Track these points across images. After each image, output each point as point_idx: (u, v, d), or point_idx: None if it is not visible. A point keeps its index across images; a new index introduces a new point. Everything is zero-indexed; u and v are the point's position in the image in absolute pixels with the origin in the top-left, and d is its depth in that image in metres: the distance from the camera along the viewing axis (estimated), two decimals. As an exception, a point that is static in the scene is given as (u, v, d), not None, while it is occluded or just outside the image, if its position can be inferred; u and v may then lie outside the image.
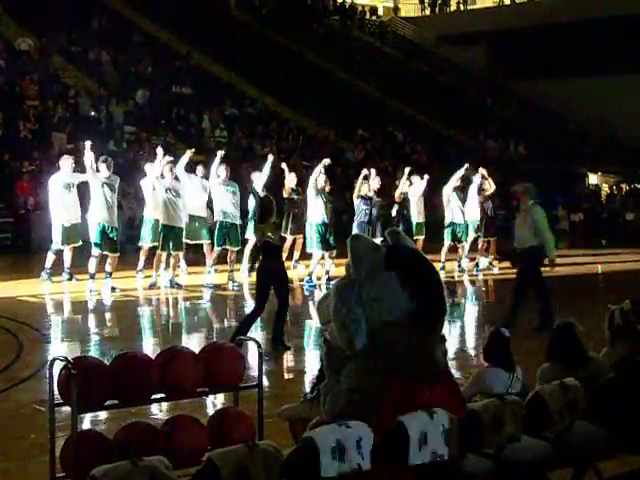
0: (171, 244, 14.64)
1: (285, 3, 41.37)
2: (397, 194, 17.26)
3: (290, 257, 16.52)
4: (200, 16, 34.89)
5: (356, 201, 16.42)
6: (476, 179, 18.19)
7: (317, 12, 43.66)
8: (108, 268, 14.43)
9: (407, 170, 17.41)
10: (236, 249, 15.39)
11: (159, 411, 7.15)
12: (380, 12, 51.38)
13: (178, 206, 14.67)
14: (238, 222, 15.50)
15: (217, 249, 15.33)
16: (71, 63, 29.44)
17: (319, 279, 15.60)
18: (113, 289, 14.36)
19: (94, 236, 14.37)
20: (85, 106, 26.27)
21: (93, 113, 26.30)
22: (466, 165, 18.18)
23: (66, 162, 14.96)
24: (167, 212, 14.60)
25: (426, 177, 18.10)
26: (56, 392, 4.99)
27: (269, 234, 10.30)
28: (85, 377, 4.84)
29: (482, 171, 18.20)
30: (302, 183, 17.34)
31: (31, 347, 10.41)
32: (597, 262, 21.19)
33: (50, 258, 15.05)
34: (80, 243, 15.03)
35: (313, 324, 12.11)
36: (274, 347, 10.32)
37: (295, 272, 16.33)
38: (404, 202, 17.29)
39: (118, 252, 14.67)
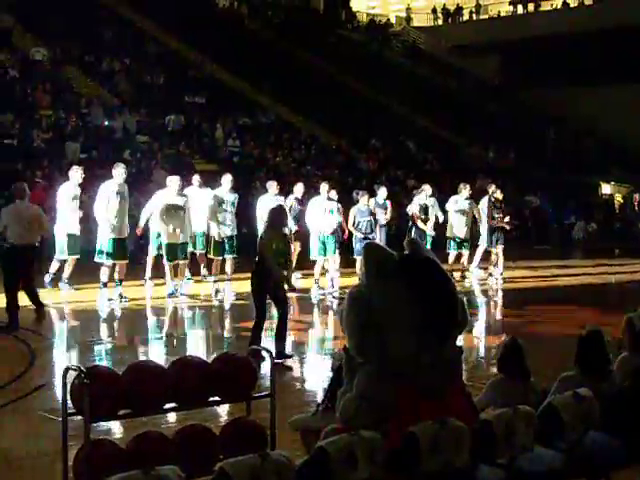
0: (171, 256, 14.58)
1: (298, 14, 41.46)
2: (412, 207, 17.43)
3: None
4: (213, 26, 35.01)
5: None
6: (491, 190, 18.22)
7: (329, 22, 43.73)
8: (117, 276, 14.45)
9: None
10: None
11: (171, 420, 7.14)
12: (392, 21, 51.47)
13: (180, 222, 14.60)
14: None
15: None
16: (84, 73, 29.51)
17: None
18: (121, 297, 14.28)
19: (106, 246, 14.37)
20: (98, 116, 26.34)
21: (106, 123, 26.36)
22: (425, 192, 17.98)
23: (75, 173, 14.96)
24: (167, 229, 14.53)
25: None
26: (69, 401, 4.99)
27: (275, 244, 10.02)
28: (98, 386, 4.84)
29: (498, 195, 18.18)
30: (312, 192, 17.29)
31: (42, 356, 10.41)
32: (610, 272, 21.06)
33: (54, 266, 15.01)
34: (78, 256, 14.98)
35: (326, 334, 12.05)
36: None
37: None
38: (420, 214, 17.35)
39: (127, 259, 14.68)
